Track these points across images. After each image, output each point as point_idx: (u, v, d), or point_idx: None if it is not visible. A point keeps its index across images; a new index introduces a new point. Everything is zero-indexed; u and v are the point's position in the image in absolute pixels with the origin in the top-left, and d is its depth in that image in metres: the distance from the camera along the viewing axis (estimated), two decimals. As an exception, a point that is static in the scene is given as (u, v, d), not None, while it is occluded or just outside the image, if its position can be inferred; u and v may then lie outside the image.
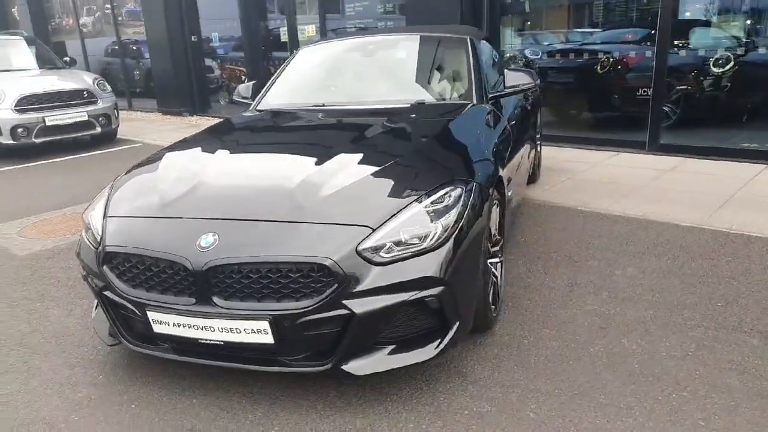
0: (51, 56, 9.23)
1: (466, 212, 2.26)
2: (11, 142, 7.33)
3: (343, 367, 2.10)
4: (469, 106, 3.26)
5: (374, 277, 2.04)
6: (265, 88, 3.87)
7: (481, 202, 2.38)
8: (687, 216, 4.03)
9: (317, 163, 2.48)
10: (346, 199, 2.23)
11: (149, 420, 2.21)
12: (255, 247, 2.06)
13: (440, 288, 2.11)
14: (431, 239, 2.12)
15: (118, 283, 2.25)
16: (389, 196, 2.24)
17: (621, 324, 2.71)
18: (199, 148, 2.90)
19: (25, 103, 7.38)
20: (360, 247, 2.04)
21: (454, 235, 2.17)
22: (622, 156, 5.90)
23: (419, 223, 2.15)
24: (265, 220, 2.16)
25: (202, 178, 2.49)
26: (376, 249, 2.06)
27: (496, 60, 4.35)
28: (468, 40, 3.73)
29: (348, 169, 2.42)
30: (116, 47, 12.77)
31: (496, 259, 2.79)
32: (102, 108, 8.08)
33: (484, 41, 4.24)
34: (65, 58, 9.51)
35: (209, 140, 3.06)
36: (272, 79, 3.93)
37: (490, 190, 2.57)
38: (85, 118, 7.85)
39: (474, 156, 2.65)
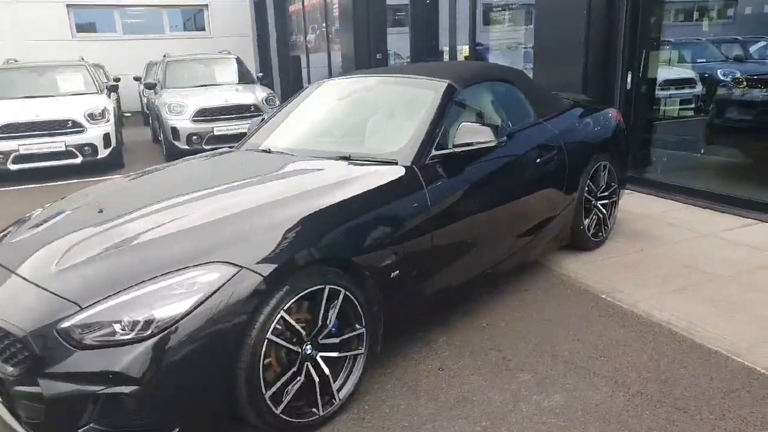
0: (248, 73, 10.59)
1: (208, 303, 2.00)
2: (186, 147, 8.63)
3: (50, 446, 2.05)
4: (381, 168, 2.85)
5: (70, 360, 1.94)
6: (256, 127, 3.91)
7: (251, 293, 2.07)
8: (733, 339, 2.87)
9: (121, 222, 2.46)
10: (89, 268, 2.16)
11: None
12: (-5, 301, 2.14)
13: (134, 387, 1.91)
14: (141, 329, 1.94)
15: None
16: (132, 270, 2.10)
17: (443, 473, 2.10)
18: (92, 189, 3.12)
19: (201, 115, 8.64)
20: (61, 325, 1.96)
21: (177, 328, 1.95)
22: (761, 228, 4.44)
23: (144, 306, 1.98)
24: (16, 274, 2.22)
25: (40, 219, 2.69)
26: (87, 328, 1.96)
27: (514, 106, 3.66)
28: (444, 86, 3.23)
29: (131, 233, 2.34)
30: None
31: (334, 354, 2.40)
32: (265, 122, 8.99)
33: (505, 84, 3.64)
34: (258, 75, 10.81)
35: (118, 182, 3.25)
36: (268, 117, 3.95)
37: (309, 278, 2.25)
38: (247, 130, 8.83)
39: (286, 235, 2.29)
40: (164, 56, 10.87)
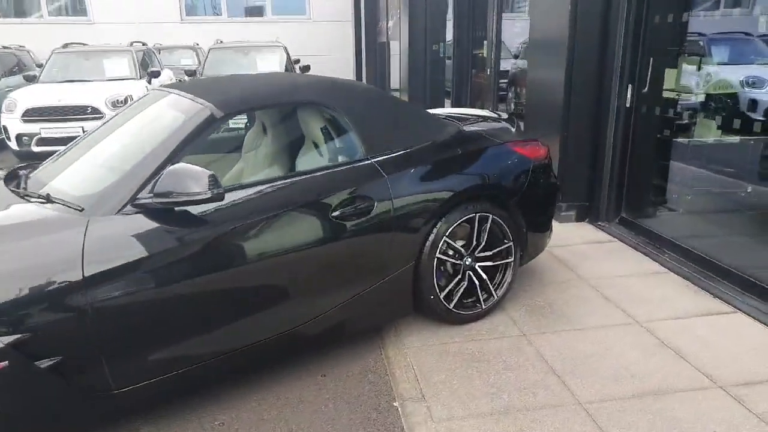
0: (291, 64, 10.27)
1: None
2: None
3: None
4: (46, 215, 2.27)
5: None
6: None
7: None
8: None
9: None
10: None
11: None
12: None
13: None
14: None
15: None
16: None
17: None
18: None
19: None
20: None
21: None
22: (728, 321, 3.15)
23: None
24: None
25: None
26: None
27: (323, 139, 2.83)
28: (198, 112, 2.54)
29: None
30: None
31: None
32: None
33: (319, 109, 2.86)
34: (301, 66, 10.42)
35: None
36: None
37: None
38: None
39: None
40: (216, 41, 10.90)
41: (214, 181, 2.24)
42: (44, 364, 2.08)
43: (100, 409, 2.29)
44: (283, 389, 2.69)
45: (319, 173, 2.70)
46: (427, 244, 2.92)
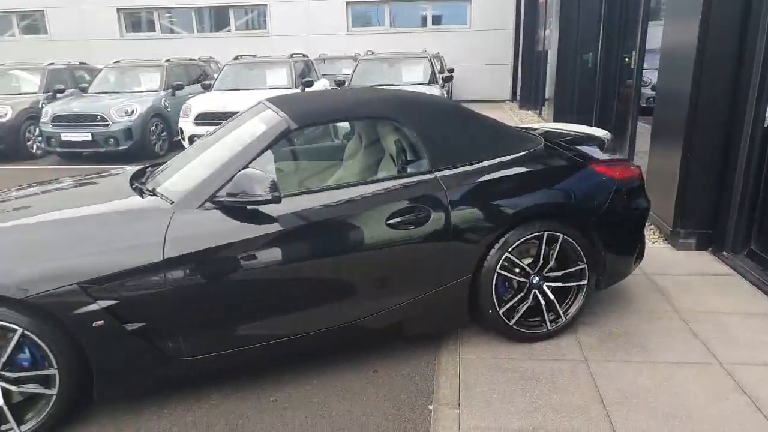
0: (434, 74, 10.52)
1: None
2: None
3: None
4: (141, 204, 2.76)
5: None
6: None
7: None
8: None
9: None
10: None
11: None
12: None
13: None
14: None
15: None
16: None
17: None
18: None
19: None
20: None
21: None
22: None
23: None
24: None
25: None
26: None
27: (389, 151, 2.97)
28: (276, 124, 2.88)
29: None
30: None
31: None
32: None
33: (388, 123, 3.08)
34: (441, 75, 10.60)
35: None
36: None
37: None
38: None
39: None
40: (367, 53, 11.51)
41: (273, 186, 2.55)
42: (131, 327, 2.53)
43: (173, 373, 2.70)
44: (336, 378, 2.92)
45: (379, 183, 2.89)
46: (488, 258, 2.96)
